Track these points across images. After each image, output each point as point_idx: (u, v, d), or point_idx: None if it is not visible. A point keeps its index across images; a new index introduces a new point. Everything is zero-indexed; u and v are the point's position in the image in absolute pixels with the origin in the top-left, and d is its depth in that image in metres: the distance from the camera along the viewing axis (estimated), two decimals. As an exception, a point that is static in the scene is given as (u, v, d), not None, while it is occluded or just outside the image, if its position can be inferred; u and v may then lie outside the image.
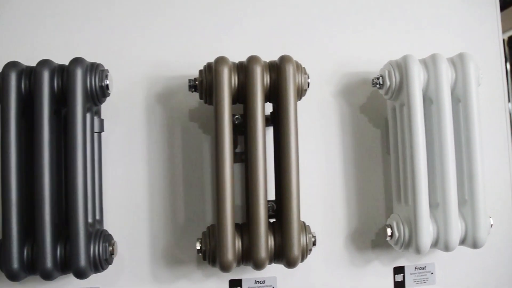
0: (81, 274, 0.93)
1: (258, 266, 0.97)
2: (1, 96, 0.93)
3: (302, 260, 1.00)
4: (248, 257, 0.97)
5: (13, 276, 0.93)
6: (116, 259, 1.05)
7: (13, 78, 0.93)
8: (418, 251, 1.03)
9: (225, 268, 0.96)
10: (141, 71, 1.12)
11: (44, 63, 0.94)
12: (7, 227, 0.92)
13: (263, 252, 0.96)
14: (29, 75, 0.95)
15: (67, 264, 0.94)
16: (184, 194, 1.11)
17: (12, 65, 0.94)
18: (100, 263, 0.96)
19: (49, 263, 0.92)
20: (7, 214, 0.92)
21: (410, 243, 1.05)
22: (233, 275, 1.12)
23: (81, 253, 0.92)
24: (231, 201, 0.95)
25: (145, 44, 1.13)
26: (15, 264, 0.92)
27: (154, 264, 1.10)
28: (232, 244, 0.95)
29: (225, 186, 0.95)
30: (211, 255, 0.98)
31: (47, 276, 0.93)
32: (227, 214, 0.95)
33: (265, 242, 0.96)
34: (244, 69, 0.98)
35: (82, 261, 0.92)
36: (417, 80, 1.03)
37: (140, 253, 1.10)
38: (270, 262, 1.00)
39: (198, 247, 0.99)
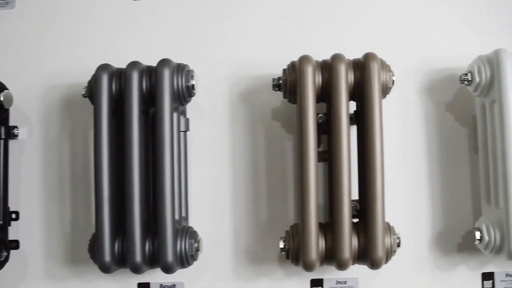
0: (168, 269, 0.96)
1: (342, 266, 0.96)
2: (94, 97, 0.97)
3: (386, 261, 0.98)
4: (332, 257, 0.96)
5: (105, 269, 0.97)
6: (199, 256, 1.08)
7: (104, 79, 0.97)
8: (510, 256, 0.98)
9: (308, 267, 0.96)
10: (225, 71, 1.14)
11: (133, 65, 0.98)
12: (99, 223, 0.96)
13: (347, 252, 0.95)
14: (120, 77, 0.99)
15: (155, 259, 0.97)
16: (267, 193, 1.12)
17: (104, 67, 0.99)
18: (186, 259, 0.98)
19: (138, 257, 0.96)
20: (99, 210, 0.96)
21: (502, 248, 0.99)
22: (315, 274, 1.11)
23: (168, 248, 0.95)
24: (316, 200, 0.95)
25: (229, 44, 1.14)
26: (107, 257, 0.96)
27: (236, 261, 1.12)
28: (316, 243, 0.95)
29: (309, 185, 0.94)
30: (294, 254, 0.98)
31: (137, 269, 0.97)
32: (311, 213, 0.94)
33: (349, 242, 0.95)
34: (328, 68, 0.97)
35: (170, 256, 0.95)
36: (510, 75, 0.98)
37: (223, 250, 1.12)
38: (353, 263, 0.98)
39: (282, 246, 0.99)
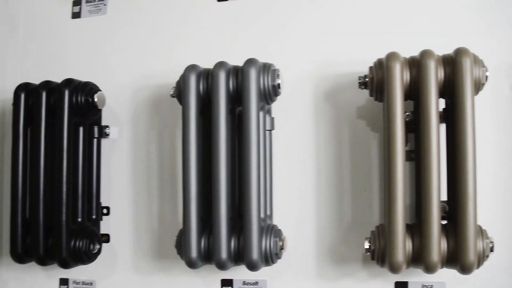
0: (253, 267, 0.97)
1: (430, 269, 0.93)
2: (182, 97, 1.00)
3: (478, 266, 0.94)
4: (419, 259, 0.94)
5: (191, 264, 1.00)
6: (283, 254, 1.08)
7: (192, 80, 1.00)
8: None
9: (395, 269, 0.94)
10: (309, 70, 1.13)
11: (220, 65, 1.00)
12: (187, 220, 0.99)
13: (435, 255, 0.92)
14: (207, 77, 1.01)
15: (240, 256, 0.98)
16: (351, 192, 1.10)
17: (191, 68, 1.01)
18: (270, 257, 0.99)
19: (224, 254, 0.97)
20: (187, 208, 0.99)
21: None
22: (399, 277, 1.08)
23: (254, 246, 0.96)
24: (403, 200, 0.92)
25: (313, 42, 1.14)
26: (194, 254, 0.99)
27: (319, 260, 1.11)
28: (403, 245, 0.92)
29: (397, 185, 0.92)
30: (380, 255, 0.96)
31: (222, 266, 0.99)
32: (398, 213, 0.92)
33: (437, 244, 0.92)
34: (416, 64, 0.94)
35: (255, 254, 0.96)
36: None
37: (306, 249, 1.12)
38: (442, 266, 0.95)
39: (367, 246, 0.97)
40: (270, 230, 1.00)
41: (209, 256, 1.00)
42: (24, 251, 1.13)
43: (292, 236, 1.11)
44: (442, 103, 1.01)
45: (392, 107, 0.92)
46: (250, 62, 0.98)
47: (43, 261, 1.12)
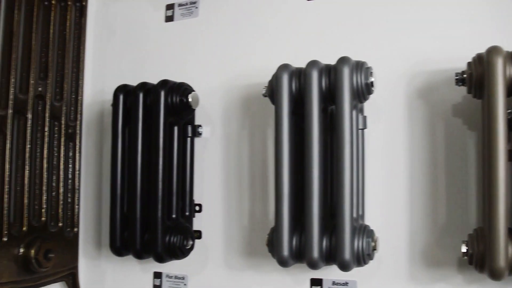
0: (345, 267, 0.97)
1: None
2: (275, 96, 1.02)
3: None
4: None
5: (283, 263, 1.01)
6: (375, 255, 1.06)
7: (285, 79, 1.01)
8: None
9: (496, 275, 0.89)
10: (402, 67, 1.11)
11: (313, 63, 1.00)
12: (279, 218, 1.00)
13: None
14: (299, 76, 1.01)
15: (332, 256, 0.98)
16: (446, 193, 1.07)
17: (284, 67, 1.03)
18: (363, 257, 0.98)
19: (316, 253, 0.98)
20: (279, 206, 1.00)
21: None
22: (499, 284, 1.03)
23: (346, 246, 0.96)
24: (505, 202, 0.88)
25: (405, 39, 1.11)
26: (286, 252, 1.00)
27: (411, 263, 1.08)
28: (505, 250, 0.88)
29: (498, 187, 0.88)
30: (479, 259, 0.92)
31: (314, 265, 0.99)
32: (500, 216, 0.88)
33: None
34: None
35: (347, 254, 0.95)
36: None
37: (398, 251, 1.09)
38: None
39: (464, 250, 0.94)
40: (362, 230, 0.99)
41: (300, 255, 1.00)
42: (122, 245, 1.18)
43: (383, 236, 1.09)
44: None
45: (494, 104, 0.88)
46: (343, 60, 0.98)
47: (139, 255, 1.17)
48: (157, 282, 1.30)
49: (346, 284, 1.13)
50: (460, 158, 1.06)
